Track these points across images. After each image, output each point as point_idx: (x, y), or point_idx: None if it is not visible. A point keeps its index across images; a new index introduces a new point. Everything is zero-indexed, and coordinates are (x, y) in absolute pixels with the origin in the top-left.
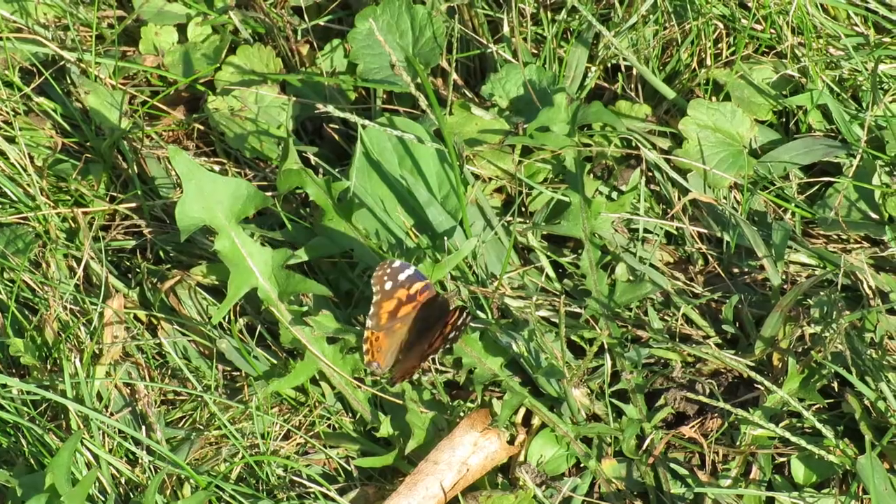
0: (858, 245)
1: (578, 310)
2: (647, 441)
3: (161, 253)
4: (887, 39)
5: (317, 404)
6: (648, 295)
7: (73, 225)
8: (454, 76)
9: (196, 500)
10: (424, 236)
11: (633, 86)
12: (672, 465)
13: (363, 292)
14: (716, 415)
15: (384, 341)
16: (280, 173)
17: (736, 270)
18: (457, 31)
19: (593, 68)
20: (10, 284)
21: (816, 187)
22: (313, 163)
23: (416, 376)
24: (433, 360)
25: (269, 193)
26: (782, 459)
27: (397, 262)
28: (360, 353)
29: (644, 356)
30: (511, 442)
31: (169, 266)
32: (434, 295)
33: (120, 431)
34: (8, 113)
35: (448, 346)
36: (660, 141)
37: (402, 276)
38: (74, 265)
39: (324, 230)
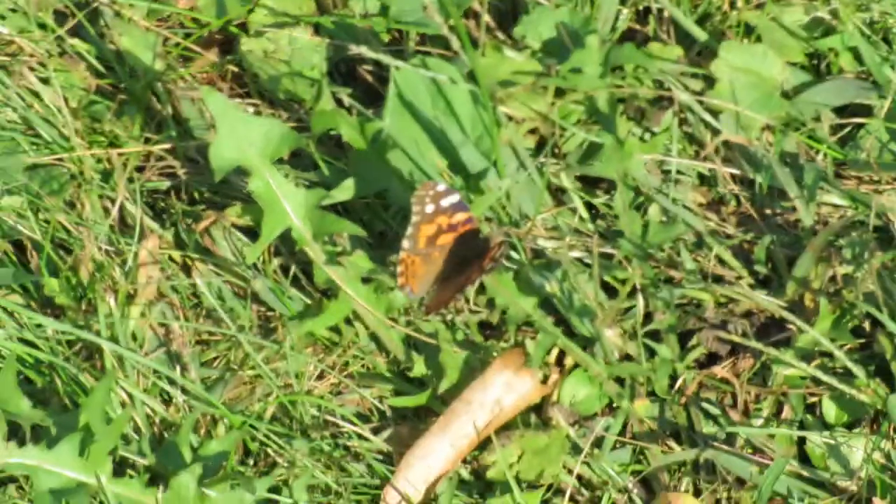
0: (890, 186)
1: (611, 250)
2: (680, 381)
3: (195, 194)
4: None
5: (350, 344)
6: (681, 236)
7: (107, 166)
8: (486, 18)
9: (230, 440)
10: (458, 177)
11: (664, 28)
12: (704, 405)
13: (397, 233)
14: (748, 355)
15: (420, 267)
16: (314, 114)
17: (768, 211)
18: None
19: (625, 10)
20: (46, 225)
21: (848, 129)
22: (346, 104)
23: (448, 316)
24: (466, 297)
25: (303, 135)
26: (814, 399)
27: (442, 186)
28: (394, 277)
29: (676, 297)
30: (544, 382)
31: (203, 207)
32: (476, 229)
33: (154, 371)
34: (42, 54)
35: (483, 276)
36: (692, 83)
37: (444, 203)
38: (109, 206)
39: (358, 171)
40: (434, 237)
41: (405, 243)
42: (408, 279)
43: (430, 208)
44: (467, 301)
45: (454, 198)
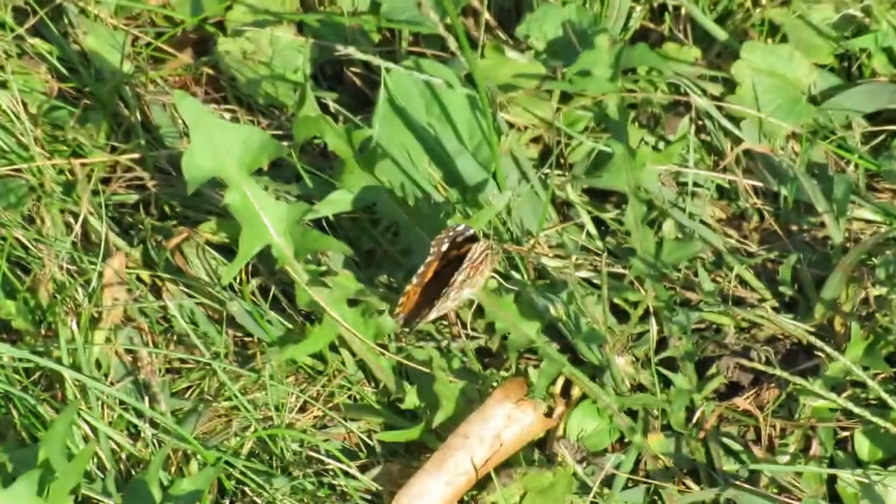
0: None
1: (622, 270)
2: (698, 414)
3: (166, 208)
4: None
5: (336, 373)
6: (698, 254)
7: (70, 177)
8: (486, 16)
9: (203, 478)
10: (454, 190)
11: (681, 27)
12: (725, 440)
13: (386, 251)
14: (772, 385)
15: (419, 296)
16: (296, 121)
17: (794, 227)
18: None
19: (638, 7)
20: (2, 241)
21: (881, 137)
22: (332, 110)
23: (443, 342)
24: (462, 322)
25: (284, 143)
26: (845, 434)
27: (461, 226)
28: (391, 308)
29: (694, 321)
30: (548, 414)
31: (175, 222)
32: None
33: (120, 402)
34: None
35: (461, 282)
36: (710, 86)
37: (460, 238)
38: (71, 221)
39: (344, 183)
40: (439, 269)
41: (414, 280)
42: (405, 307)
43: (445, 247)
44: (464, 326)
45: (468, 232)
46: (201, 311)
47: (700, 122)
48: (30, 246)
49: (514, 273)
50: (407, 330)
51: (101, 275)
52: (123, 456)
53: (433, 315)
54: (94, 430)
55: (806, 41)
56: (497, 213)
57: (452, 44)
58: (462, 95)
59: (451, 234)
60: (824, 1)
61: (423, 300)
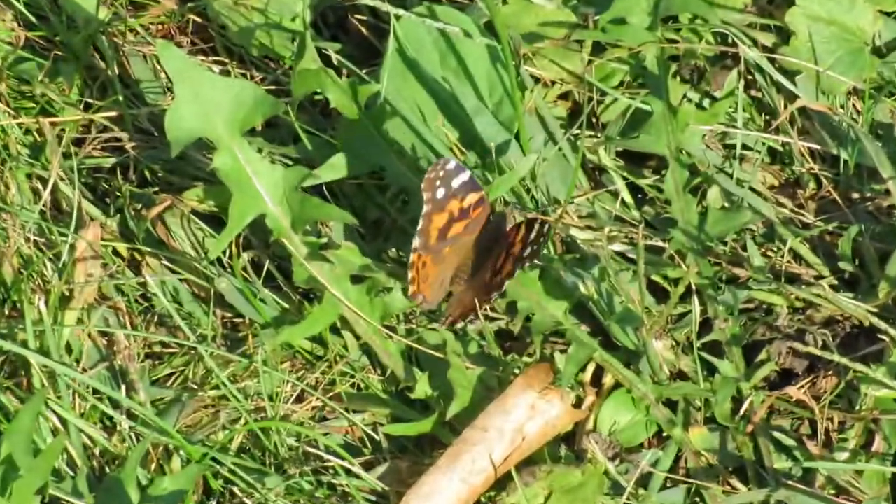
0: None
1: (661, 243)
2: (746, 405)
3: (147, 173)
4: None
5: (338, 358)
6: (747, 225)
7: (38, 138)
8: None
9: (187, 476)
10: (472, 152)
11: None
12: (776, 435)
13: (395, 221)
14: (830, 372)
15: (431, 268)
16: (295, 75)
17: (855, 195)
18: None
19: None
20: None
21: None
22: (335, 62)
23: (460, 323)
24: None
25: (280, 100)
26: None
27: (452, 163)
28: (405, 284)
29: (742, 300)
30: (577, 405)
31: (156, 189)
32: (499, 213)
33: (94, 391)
34: None
35: (520, 267)
36: (762, 36)
37: (455, 183)
38: (40, 187)
39: (348, 145)
40: (446, 228)
41: (416, 241)
42: (419, 286)
43: (441, 193)
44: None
45: (464, 176)
46: (186, 289)
47: (750, 77)
48: None
49: None
50: (451, 327)
51: (72, 248)
52: (97, 451)
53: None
54: (63, 422)
55: None
56: (520, 178)
57: None
58: (481, 46)
59: (440, 172)
60: None
61: (464, 287)
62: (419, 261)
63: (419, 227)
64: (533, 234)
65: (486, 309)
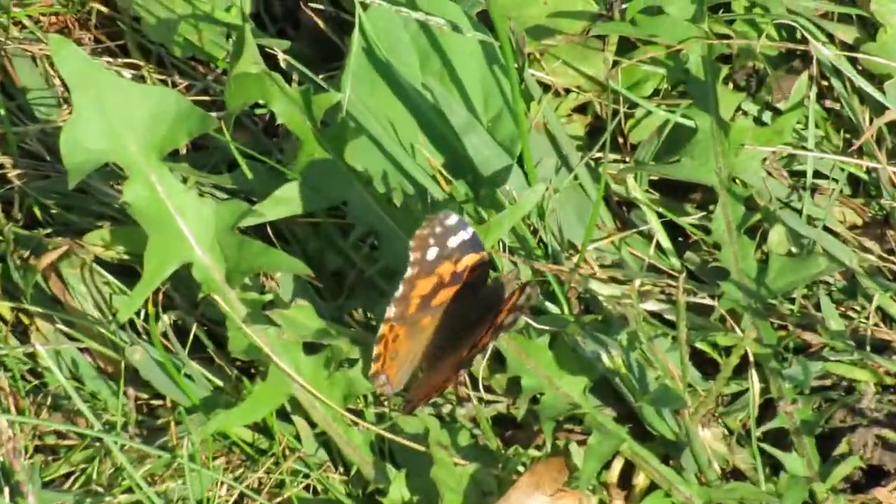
0: None
1: (708, 301)
2: None
3: (36, 210)
4: None
5: (287, 453)
6: (822, 276)
7: None
8: None
9: None
10: (461, 182)
11: None
12: None
13: (361, 272)
14: None
15: (404, 343)
16: (230, 81)
17: None
18: None
19: None
20: None
21: None
22: (283, 64)
23: (445, 407)
24: (472, 374)
25: (212, 113)
26: None
27: (453, 218)
28: (366, 361)
29: (815, 374)
30: None
31: (49, 231)
32: (482, 275)
33: None
34: None
35: (496, 337)
36: (840, 30)
37: (453, 242)
38: None
39: (299, 173)
40: (431, 295)
41: (392, 310)
42: (385, 363)
43: (432, 254)
44: (475, 383)
45: (466, 234)
46: (88, 362)
47: (824, 83)
48: None
49: (549, 305)
50: (408, 413)
51: None
52: None
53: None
54: None
55: None
56: (525, 216)
57: None
58: (474, 43)
59: (437, 228)
60: None
61: (433, 366)
62: (390, 333)
63: (398, 294)
64: (522, 299)
65: (476, 387)
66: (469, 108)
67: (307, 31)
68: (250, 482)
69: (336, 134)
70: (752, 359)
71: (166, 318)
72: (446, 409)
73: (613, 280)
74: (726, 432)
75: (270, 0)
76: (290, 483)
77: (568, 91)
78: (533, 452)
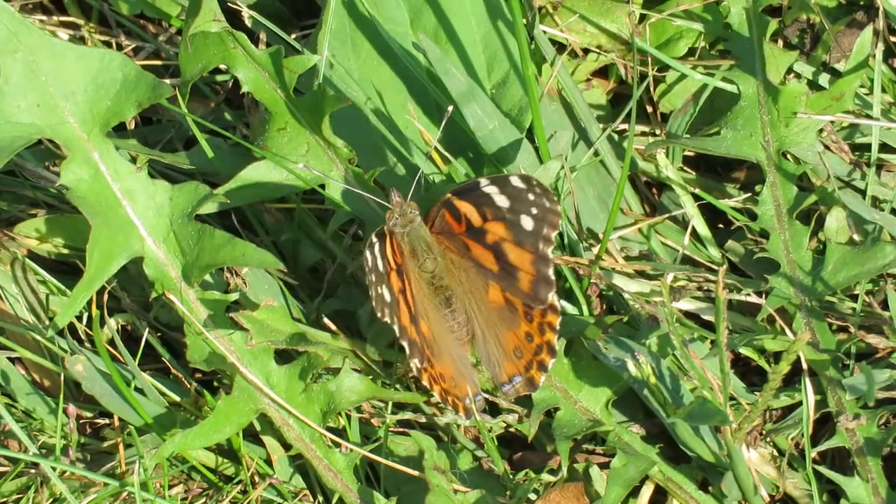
0: None
1: (754, 298)
2: None
3: None
4: None
5: (256, 479)
6: (890, 269)
7: None
8: None
9: None
10: (460, 160)
11: None
12: None
13: (344, 268)
14: None
15: (444, 342)
16: (185, 41)
17: None
18: None
19: None
20: None
21: None
22: (248, 22)
23: (443, 419)
24: (487, 390)
25: (164, 80)
26: None
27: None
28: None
29: (881, 384)
30: None
31: None
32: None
33: None
34: None
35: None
36: None
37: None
38: None
39: (269, 150)
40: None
41: (411, 356)
42: (453, 396)
43: (376, 263)
44: (489, 398)
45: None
46: (21, 374)
47: (893, 39)
48: None
49: (565, 304)
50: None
51: None
52: None
53: None
54: None
55: None
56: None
57: None
58: None
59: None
60: None
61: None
62: (433, 370)
63: (395, 329)
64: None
65: (483, 400)
66: (469, 73)
67: None
68: None
69: (312, 104)
70: (805, 366)
71: (113, 323)
72: (443, 421)
73: (641, 274)
74: (775, 453)
75: None
76: None
77: (587, 51)
78: (546, 477)
